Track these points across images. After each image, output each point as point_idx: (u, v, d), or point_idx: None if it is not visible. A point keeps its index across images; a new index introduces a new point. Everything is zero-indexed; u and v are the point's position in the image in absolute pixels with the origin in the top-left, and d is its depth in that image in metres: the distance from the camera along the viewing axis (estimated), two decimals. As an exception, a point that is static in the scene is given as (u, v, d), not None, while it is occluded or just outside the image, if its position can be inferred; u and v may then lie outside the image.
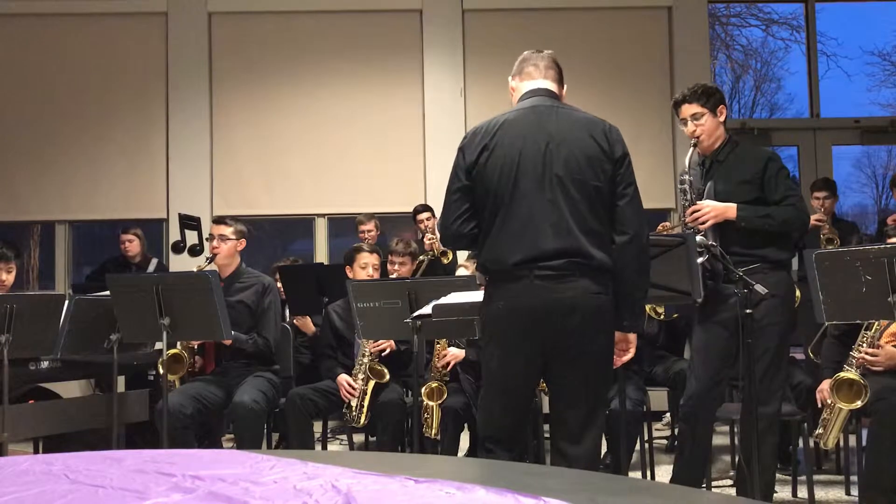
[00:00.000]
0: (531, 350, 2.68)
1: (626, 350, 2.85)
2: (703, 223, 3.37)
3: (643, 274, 2.75)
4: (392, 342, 4.40)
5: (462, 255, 5.76)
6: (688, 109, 3.51)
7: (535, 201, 2.66)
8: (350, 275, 4.68)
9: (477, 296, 3.18)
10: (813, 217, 5.25)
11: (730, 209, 3.36)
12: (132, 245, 6.50)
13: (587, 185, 2.66)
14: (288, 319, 5.34)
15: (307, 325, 5.16)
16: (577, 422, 2.71)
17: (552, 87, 2.87)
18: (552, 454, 2.77)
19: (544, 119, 2.73)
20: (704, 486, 3.82)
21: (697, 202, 3.43)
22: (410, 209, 6.50)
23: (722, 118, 3.53)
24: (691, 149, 3.53)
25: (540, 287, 2.62)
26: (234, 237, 4.51)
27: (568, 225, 2.63)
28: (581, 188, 2.65)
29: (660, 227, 5.06)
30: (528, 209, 2.66)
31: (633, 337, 2.83)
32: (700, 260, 3.24)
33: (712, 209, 3.37)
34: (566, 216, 2.64)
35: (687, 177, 3.48)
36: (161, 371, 4.12)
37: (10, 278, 4.35)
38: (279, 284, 5.07)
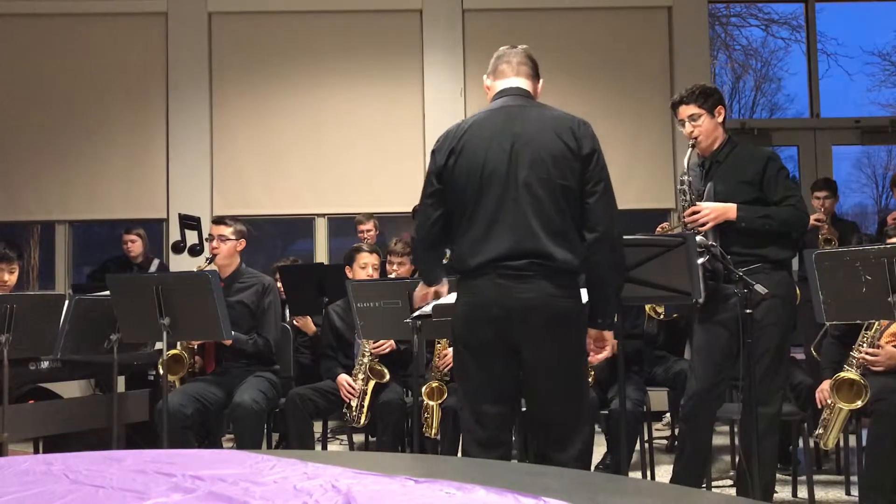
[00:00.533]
0: (500, 347, 2.67)
1: (603, 348, 2.82)
2: (703, 225, 3.36)
3: (616, 270, 2.73)
4: (392, 342, 4.40)
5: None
6: (685, 111, 3.50)
7: (499, 203, 2.66)
8: (350, 275, 4.68)
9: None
10: (812, 217, 5.26)
11: (729, 210, 3.36)
12: (135, 245, 6.50)
13: (553, 184, 2.64)
14: (288, 319, 5.34)
15: (308, 325, 5.16)
16: (561, 427, 2.70)
17: (525, 84, 2.85)
18: (538, 460, 2.74)
19: (512, 119, 2.72)
20: (704, 486, 3.82)
21: (697, 203, 3.42)
22: (410, 209, 6.48)
23: (720, 119, 3.52)
24: (690, 150, 3.52)
25: (501, 286, 2.63)
26: (233, 237, 4.51)
27: (530, 226, 2.63)
28: (547, 188, 2.64)
29: (659, 228, 5.06)
30: (492, 211, 2.66)
31: (608, 334, 2.80)
32: (700, 260, 3.24)
33: (711, 211, 3.37)
34: (529, 217, 2.63)
35: (686, 178, 3.48)
36: (161, 371, 4.12)
37: (12, 278, 4.35)
38: (279, 284, 5.07)
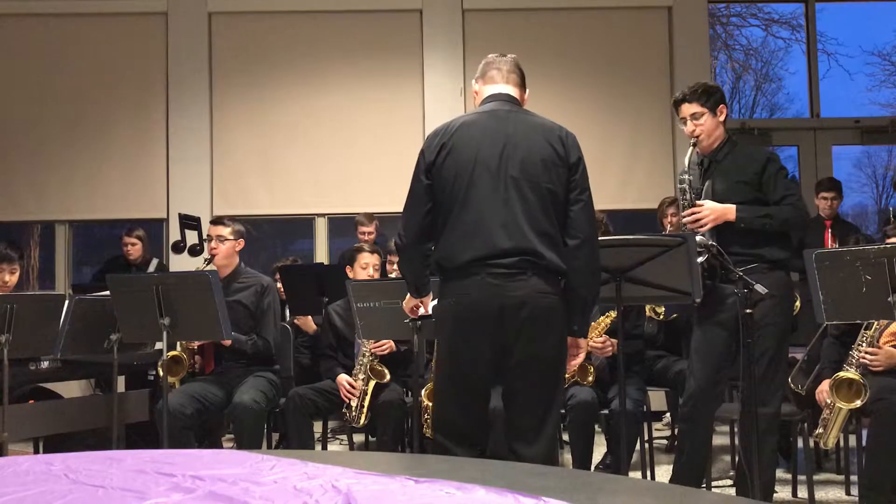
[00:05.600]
0: (483, 346, 2.72)
1: (577, 355, 2.88)
2: (703, 225, 3.36)
3: (595, 277, 2.83)
4: (391, 343, 4.40)
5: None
6: (687, 109, 3.50)
7: (489, 201, 2.71)
8: (350, 275, 4.68)
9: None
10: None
11: (729, 211, 3.36)
12: (135, 248, 6.49)
13: (541, 187, 2.72)
14: (288, 319, 5.34)
15: (308, 323, 5.16)
16: (532, 424, 2.76)
17: (514, 91, 2.91)
18: (508, 454, 2.80)
19: (502, 122, 2.78)
20: (704, 486, 3.82)
21: (696, 203, 3.42)
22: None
23: (722, 118, 3.52)
24: (691, 148, 3.52)
25: (491, 285, 2.68)
26: (231, 237, 4.50)
27: (520, 225, 2.68)
28: (535, 190, 2.71)
29: (668, 223, 5.03)
30: (481, 208, 2.71)
31: (583, 342, 2.88)
32: (700, 260, 3.23)
33: (711, 211, 3.36)
34: (519, 216, 2.69)
35: (686, 176, 3.47)
36: (161, 372, 4.12)
37: (13, 279, 4.34)
38: (279, 284, 5.06)
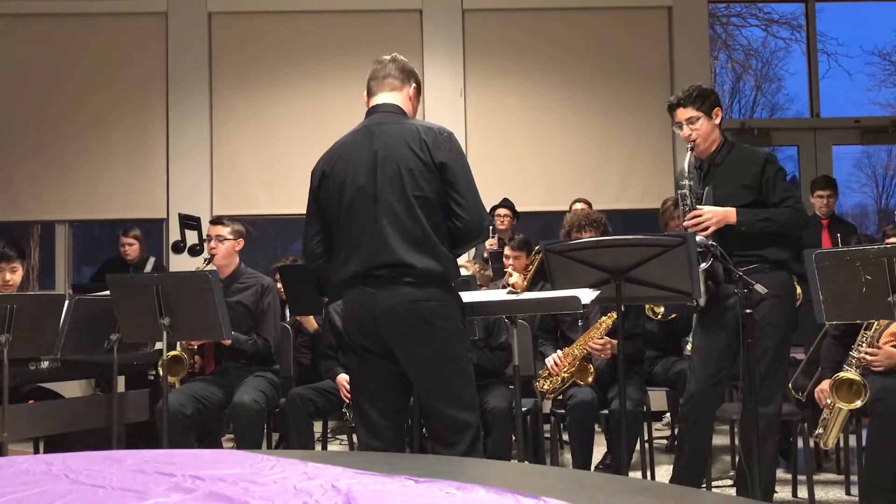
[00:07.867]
0: (377, 349, 2.84)
1: None
2: (705, 230, 3.35)
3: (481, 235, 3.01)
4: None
5: (462, 256, 5.75)
6: (683, 113, 3.48)
7: (363, 220, 2.83)
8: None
9: (476, 296, 3.20)
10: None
11: (730, 214, 3.35)
12: (132, 249, 6.49)
13: (408, 197, 2.79)
14: (288, 320, 5.33)
15: (310, 321, 5.16)
16: (443, 426, 2.85)
17: (392, 97, 2.97)
18: (430, 450, 2.95)
19: (373, 138, 2.87)
20: (704, 486, 3.82)
21: (698, 207, 3.41)
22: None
23: (717, 121, 3.50)
24: (688, 153, 3.50)
25: (366, 293, 2.81)
26: (231, 237, 4.50)
27: (387, 241, 2.78)
28: (404, 202, 2.79)
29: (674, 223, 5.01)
30: (358, 228, 2.84)
31: None
32: (703, 266, 3.22)
33: (714, 215, 3.35)
34: (387, 232, 2.78)
35: (686, 181, 3.46)
36: (161, 372, 4.11)
37: (15, 278, 4.33)
38: (279, 284, 5.06)
